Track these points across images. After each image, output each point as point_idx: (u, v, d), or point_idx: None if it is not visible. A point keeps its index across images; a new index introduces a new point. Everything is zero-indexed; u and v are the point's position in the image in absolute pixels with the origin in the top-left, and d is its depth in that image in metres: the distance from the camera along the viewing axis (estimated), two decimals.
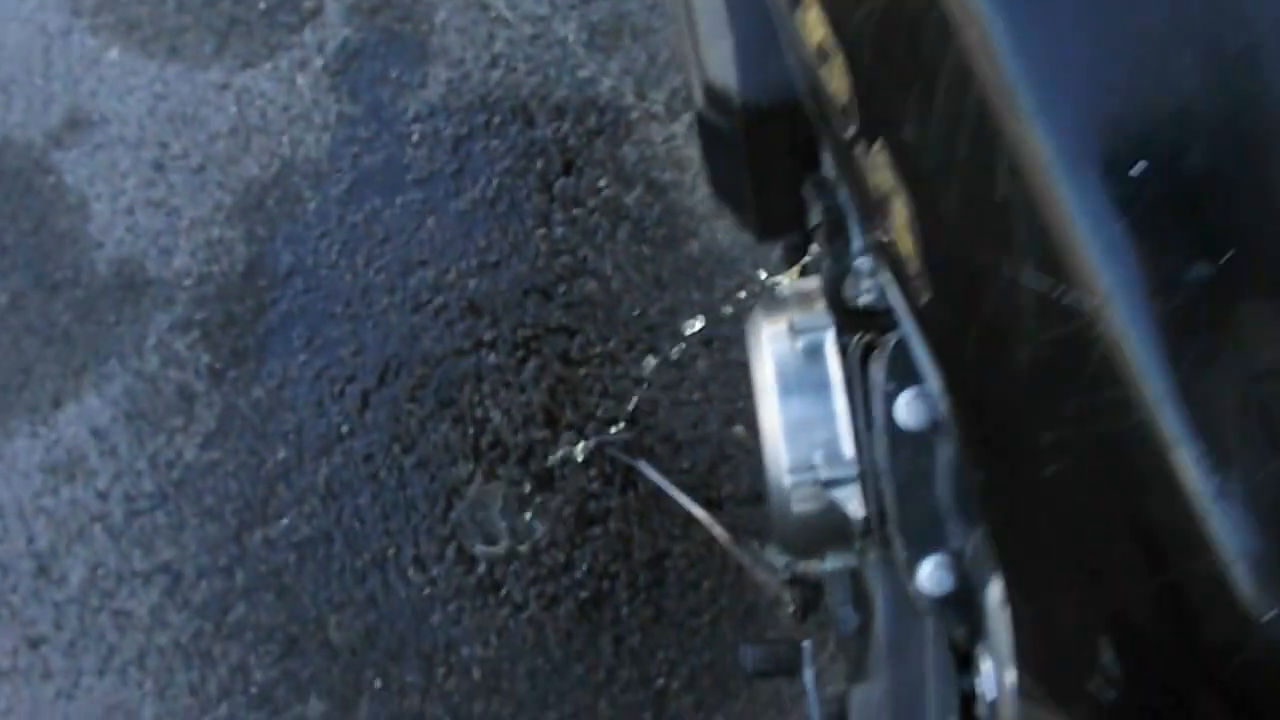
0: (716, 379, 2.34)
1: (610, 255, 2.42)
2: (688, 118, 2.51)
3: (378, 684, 2.19)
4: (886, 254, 0.85)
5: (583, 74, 2.56)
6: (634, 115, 2.52)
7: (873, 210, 0.84)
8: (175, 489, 2.32)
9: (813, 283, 1.32)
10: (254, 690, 2.20)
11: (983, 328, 0.71)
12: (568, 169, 2.49)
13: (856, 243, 1.12)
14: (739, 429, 2.30)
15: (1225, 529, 0.58)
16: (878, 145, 0.79)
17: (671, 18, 2.57)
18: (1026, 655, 0.85)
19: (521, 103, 2.54)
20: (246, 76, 2.58)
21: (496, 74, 2.56)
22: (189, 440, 2.34)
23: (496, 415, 2.32)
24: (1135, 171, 0.60)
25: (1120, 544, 0.66)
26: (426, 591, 2.23)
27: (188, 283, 2.44)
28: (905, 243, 0.78)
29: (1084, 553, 0.70)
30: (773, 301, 1.30)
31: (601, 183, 2.47)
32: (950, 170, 0.70)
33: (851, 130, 0.83)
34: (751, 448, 2.28)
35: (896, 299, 0.90)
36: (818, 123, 1.00)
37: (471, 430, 2.32)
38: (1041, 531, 0.75)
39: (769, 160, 1.27)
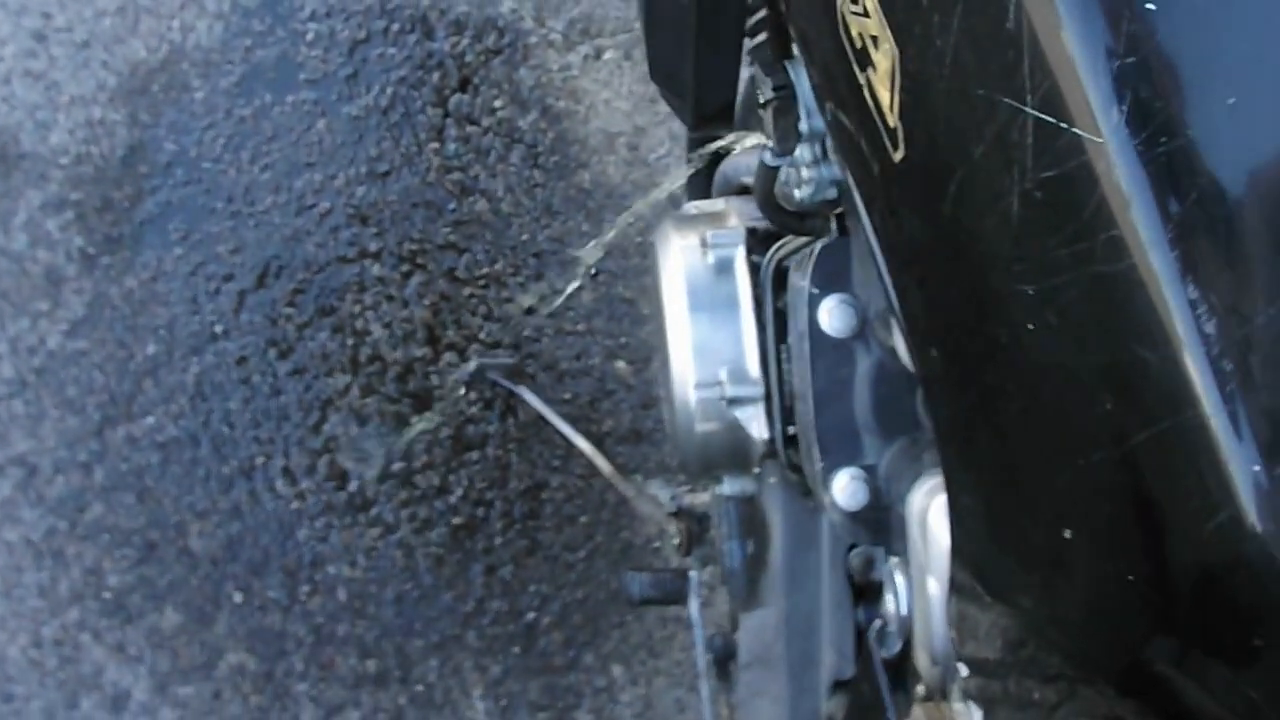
0: (601, 313, 2.33)
1: (502, 177, 2.39)
2: (585, 48, 2.49)
3: (238, 598, 2.15)
4: (853, 118, 0.84)
5: None
6: (532, 40, 2.49)
7: (845, 67, 0.82)
8: (36, 376, 2.24)
9: (721, 204, 1.32)
10: (107, 595, 2.15)
11: (970, 175, 0.70)
12: (464, 86, 2.44)
13: (805, 123, 1.09)
14: (622, 364, 2.29)
15: (1212, 377, 0.59)
16: None
17: None
18: (964, 551, 0.84)
19: (421, 13, 2.48)
20: None
21: None
22: (54, 326, 2.26)
23: (377, 328, 2.28)
24: (1144, 9, 0.60)
25: (1100, 399, 0.65)
26: (294, 505, 2.19)
27: (64, 161, 2.35)
28: (883, 98, 0.77)
29: (1056, 417, 0.70)
30: (681, 217, 1.30)
31: (497, 103, 2.44)
32: (951, 9, 0.68)
33: None
34: (634, 385, 2.28)
35: (853, 175, 0.88)
36: None
37: (350, 342, 2.28)
38: (1006, 406, 0.74)
39: (716, 39, 1.25)
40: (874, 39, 0.77)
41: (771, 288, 1.19)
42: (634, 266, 2.35)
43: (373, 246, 2.33)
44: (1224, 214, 0.60)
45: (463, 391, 2.25)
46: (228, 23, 2.45)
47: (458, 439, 2.23)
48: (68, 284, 2.29)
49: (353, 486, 2.20)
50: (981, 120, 0.68)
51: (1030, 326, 0.68)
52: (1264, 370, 0.59)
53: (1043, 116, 0.63)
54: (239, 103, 2.40)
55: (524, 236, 2.36)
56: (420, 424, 2.23)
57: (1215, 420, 0.59)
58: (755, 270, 1.21)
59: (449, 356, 2.27)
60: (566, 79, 2.48)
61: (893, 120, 0.77)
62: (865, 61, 0.79)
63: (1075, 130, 0.62)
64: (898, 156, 0.77)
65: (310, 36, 2.45)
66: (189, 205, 2.34)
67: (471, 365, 2.26)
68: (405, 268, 2.32)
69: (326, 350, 2.27)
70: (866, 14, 0.78)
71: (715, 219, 1.28)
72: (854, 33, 0.80)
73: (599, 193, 2.40)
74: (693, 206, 1.39)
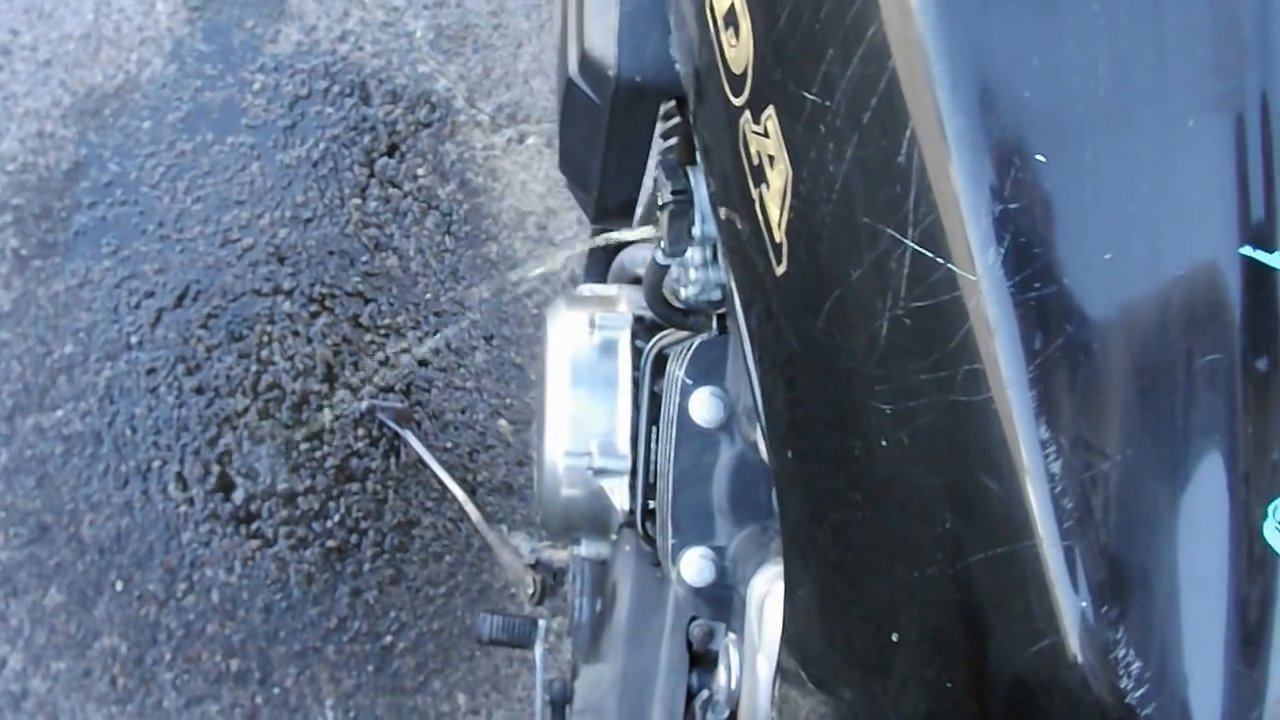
0: (491, 373, 2.51)
1: (415, 239, 2.58)
2: (510, 132, 2.69)
3: (119, 586, 2.29)
4: (743, 228, 0.86)
5: (423, 69, 2.72)
6: (461, 118, 2.69)
7: (741, 180, 0.85)
8: None
9: (615, 289, 1.41)
10: None
11: (846, 296, 0.72)
12: (391, 151, 2.64)
13: (698, 228, 1.14)
14: (504, 423, 2.47)
15: (1053, 514, 0.61)
16: (768, 112, 0.79)
17: (514, 38, 2.76)
18: (794, 639, 0.88)
19: (361, 80, 2.68)
20: None
21: (344, 48, 2.70)
22: None
23: (280, 360, 2.45)
24: (1032, 162, 0.63)
25: (941, 518, 0.67)
26: (183, 509, 2.34)
27: (10, 167, 2.51)
28: (773, 214, 0.79)
29: (897, 528, 0.72)
30: (575, 297, 1.39)
31: (420, 171, 2.63)
32: (847, 139, 0.70)
33: (741, 98, 0.84)
34: (511, 443, 2.46)
35: (735, 282, 0.92)
36: (698, 98, 1.00)
37: (254, 368, 2.44)
38: (851, 513, 0.76)
39: (627, 139, 1.27)
40: (771, 158, 0.80)
41: (650, 372, 1.26)
42: (527, 335, 2.54)
43: (286, 284, 2.50)
44: (1085, 362, 0.62)
45: (351, 426, 2.42)
46: (182, 63, 2.63)
47: (341, 470, 2.40)
48: None
49: (238, 499, 2.36)
50: (863, 246, 0.70)
51: (883, 443, 0.71)
52: (1103, 513, 0.61)
53: (921, 250, 0.65)
54: (182, 137, 2.58)
55: (428, 295, 2.54)
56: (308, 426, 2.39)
57: (1050, 553, 0.61)
58: (637, 354, 1.29)
59: (343, 394, 2.45)
60: (488, 158, 2.67)
61: (779, 236, 0.79)
62: (760, 178, 0.81)
63: (951, 266, 0.64)
64: (780, 270, 0.80)
65: (257, 86, 2.64)
66: (123, 224, 2.51)
67: (363, 404, 2.43)
68: (314, 308, 2.50)
69: (231, 373, 2.44)
70: (767, 135, 0.80)
71: (606, 303, 1.36)
72: (753, 150, 0.82)
73: (504, 264, 2.59)
74: (587, 288, 1.48)
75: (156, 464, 2.37)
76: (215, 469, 2.38)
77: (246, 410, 2.42)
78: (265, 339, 2.47)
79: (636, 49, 1.19)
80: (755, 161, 0.82)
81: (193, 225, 2.53)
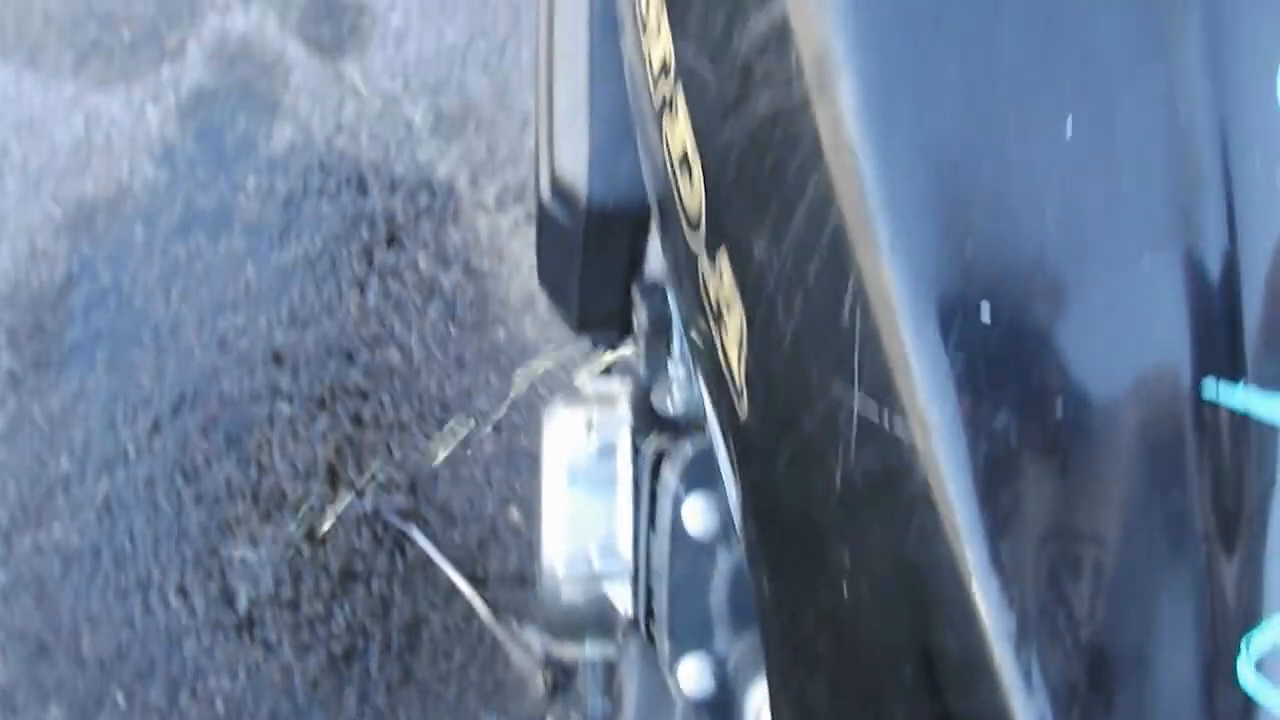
0: (499, 461, 2.43)
1: (417, 330, 2.52)
2: (515, 212, 2.63)
3: (121, 701, 2.24)
4: (708, 364, 0.86)
5: (422, 155, 2.66)
6: (464, 202, 2.63)
7: (704, 321, 0.85)
8: None
9: (615, 384, 1.37)
10: None
11: (800, 445, 0.72)
12: (391, 241, 2.58)
13: (675, 350, 1.16)
14: (513, 512, 2.40)
15: (1009, 668, 0.60)
16: (722, 257, 0.79)
17: (518, 114, 2.70)
18: None
19: (359, 172, 2.63)
20: (99, 98, 2.64)
21: (340, 141, 2.66)
22: None
23: (281, 464, 2.40)
24: (977, 318, 0.62)
25: (900, 667, 0.67)
26: (185, 619, 2.29)
27: (2, 286, 2.49)
28: (732, 355, 0.79)
29: (860, 672, 0.72)
30: (574, 396, 1.35)
31: (421, 259, 2.57)
32: (794, 290, 0.70)
33: (698, 240, 0.84)
34: (522, 531, 2.38)
35: (709, 409, 0.91)
36: (662, 229, 1.00)
37: (254, 474, 2.39)
38: (818, 645, 0.76)
39: (603, 260, 1.29)
40: (727, 303, 0.79)
41: (649, 474, 1.22)
42: (537, 421, 2.46)
43: (285, 387, 2.45)
44: (1041, 515, 0.61)
45: (355, 527, 2.36)
46: (174, 168, 2.60)
47: (346, 571, 2.33)
48: None
49: (241, 606, 2.30)
50: (814, 399, 0.69)
51: (845, 591, 0.70)
52: (1068, 667, 0.60)
53: (868, 408, 0.65)
54: (175, 242, 2.54)
55: (433, 387, 2.48)
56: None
57: (1015, 707, 0.60)
58: (638, 453, 1.25)
59: (346, 495, 2.38)
60: (494, 240, 2.61)
61: (740, 379, 0.79)
62: (719, 318, 0.81)
63: (898, 426, 0.63)
64: (742, 411, 0.79)
65: (250, 186, 2.60)
66: (117, 334, 2.47)
67: (367, 503, 2.37)
68: (314, 409, 2.44)
69: (231, 479, 2.38)
70: (721, 278, 0.79)
71: (605, 400, 1.32)
72: (711, 290, 0.82)
73: (512, 349, 2.52)
74: (588, 382, 1.44)
75: (157, 575, 2.32)
76: (217, 577, 2.32)
77: (247, 516, 2.36)
78: (265, 443, 2.41)
79: (608, 174, 1.20)
80: (713, 302, 0.81)
81: (188, 332, 2.48)
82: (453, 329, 2.53)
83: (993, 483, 0.61)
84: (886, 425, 0.64)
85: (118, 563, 2.32)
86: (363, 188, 2.63)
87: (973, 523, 0.61)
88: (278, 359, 2.47)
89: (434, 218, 2.62)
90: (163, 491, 2.37)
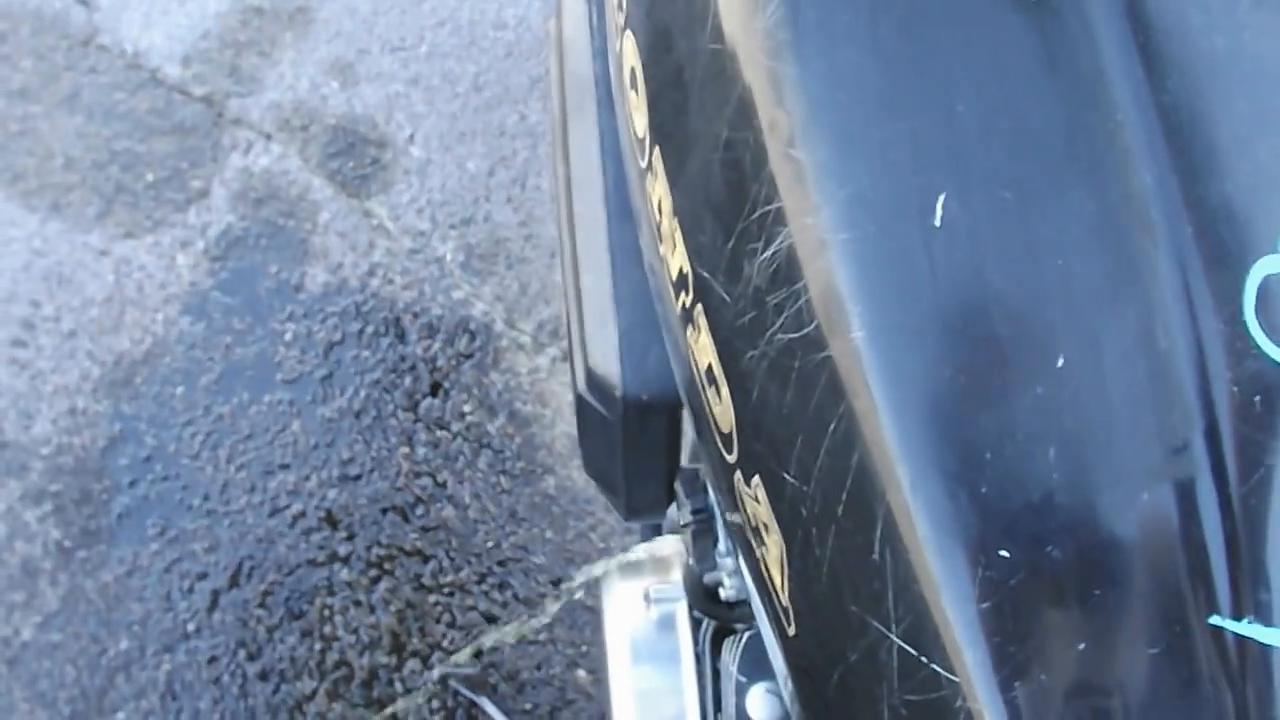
0: (564, 621, 2.41)
1: (469, 483, 2.48)
2: (553, 350, 2.60)
3: None
4: (754, 576, 0.86)
5: (457, 295, 2.62)
6: (503, 343, 2.59)
7: (745, 536, 0.84)
8: (8, 668, 2.28)
9: (669, 547, 1.39)
10: None
11: (846, 672, 0.72)
12: (435, 390, 2.54)
13: (723, 544, 1.15)
14: (582, 673, 2.38)
15: None
16: (756, 480, 0.79)
17: (546, 247, 2.66)
18: None
19: (395, 316, 2.58)
20: (127, 246, 2.56)
21: (374, 283, 2.60)
22: (28, 618, 2.31)
23: (344, 634, 2.35)
24: (1001, 557, 0.62)
25: None
26: None
27: (45, 451, 2.40)
28: (775, 576, 0.79)
29: None
30: (629, 565, 1.37)
31: (466, 408, 2.53)
32: (826, 524, 0.71)
33: (732, 458, 0.84)
34: (593, 694, 2.36)
35: (759, 612, 0.90)
36: (697, 432, 0.99)
37: (318, 646, 2.34)
38: None
39: (644, 448, 1.26)
40: (765, 525, 0.79)
41: (710, 650, 1.24)
42: (596, 576, 2.44)
43: (342, 550, 2.40)
44: None
45: (424, 700, 2.32)
46: (210, 319, 2.53)
47: None
48: (43, 576, 2.33)
49: None
50: (854, 633, 0.70)
51: None
52: None
53: (905, 647, 0.66)
54: (218, 400, 2.48)
55: (489, 544, 2.44)
56: None
57: None
58: (697, 624, 1.27)
59: (412, 664, 2.34)
60: (534, 382, 2.58)
61: (785, 600, 0.79)
62: (760, 539, 0.81)
63: (935, 666, 0.64)
64: (790, 629, 0.79)
65: (289, 336, 2.54)
66: (166, 500, 2.40)
67: (435, 673, 2.33)
68: (373, 573, 2.39)
69: (295, 653, 2.33)
70: (759, 500, 0.79)
71: (660, 567, 1.35)
72: (749, 510, 0.82)
73: (563, 499, 2.49)
74: (642, 549, 1.46)
75: None
76: None
77: (315, 693, 2.31)
78: (326, 612, 2.36)
79: (638, 366, 1.18)
80: (752, 520, 0.82)
81: (239, 496, 2.42)
82: (504, 480, 2.49)
83: None
84: (925, 667, 0.64)
85: None
86: (401, 333, 2.57)
87: None
88: (332, 520, 2.42)
89: (475, 361, 2.57)
90: (226, 670, 2.31)
